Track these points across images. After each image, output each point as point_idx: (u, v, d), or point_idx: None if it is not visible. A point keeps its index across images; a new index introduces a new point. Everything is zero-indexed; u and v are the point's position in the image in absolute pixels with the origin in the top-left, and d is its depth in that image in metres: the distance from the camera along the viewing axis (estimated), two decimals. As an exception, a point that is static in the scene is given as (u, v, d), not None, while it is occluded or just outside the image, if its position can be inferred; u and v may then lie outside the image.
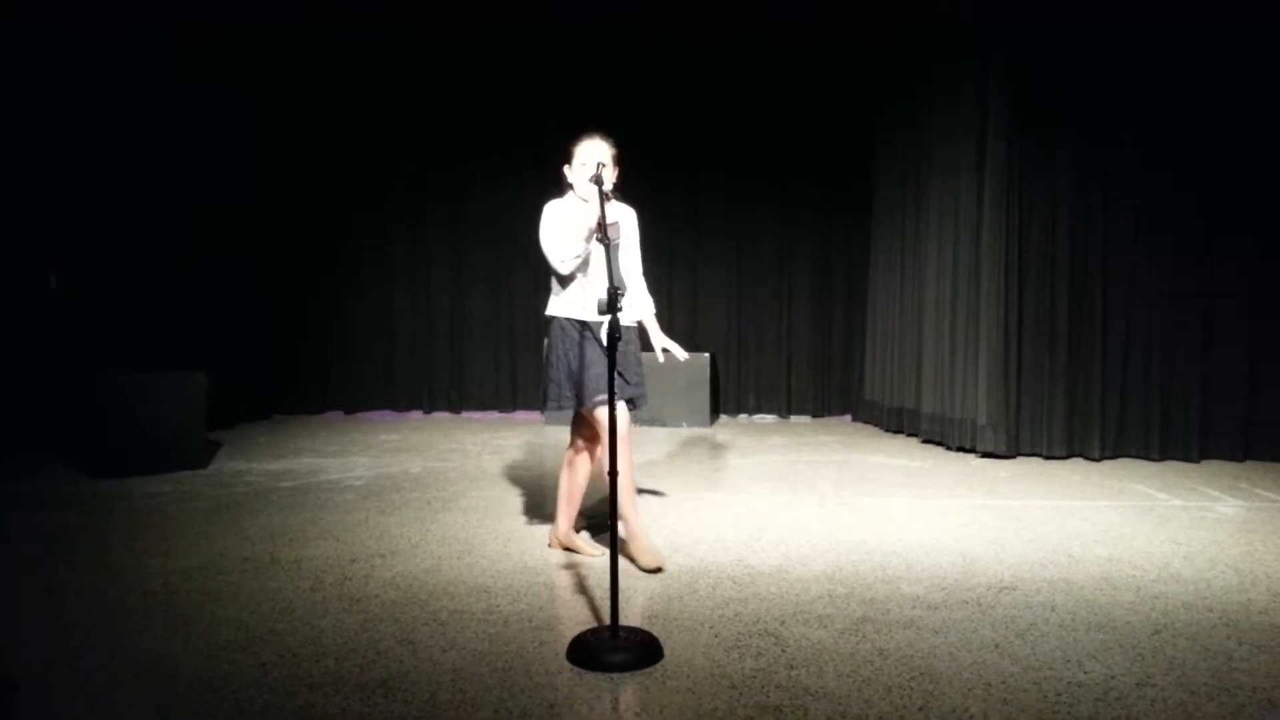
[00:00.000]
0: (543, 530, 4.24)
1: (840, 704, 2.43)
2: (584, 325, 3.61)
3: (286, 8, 7.88)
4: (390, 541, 4.05)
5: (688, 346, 8.17)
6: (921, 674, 2.62)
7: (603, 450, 3.60)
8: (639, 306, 3.77)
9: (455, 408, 8.68)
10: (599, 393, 3.52)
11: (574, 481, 3.84)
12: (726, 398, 8.50)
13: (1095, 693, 2.50)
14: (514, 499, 4.93)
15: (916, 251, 7.08)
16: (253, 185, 8.22)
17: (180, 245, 7.43)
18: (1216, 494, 5.08)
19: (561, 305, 3.65)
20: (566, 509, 3.86)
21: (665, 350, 3.74)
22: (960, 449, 6.41)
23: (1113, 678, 2.60)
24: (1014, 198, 6.13)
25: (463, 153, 8.52)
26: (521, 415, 8.54)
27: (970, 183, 6.30)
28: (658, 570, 3.56)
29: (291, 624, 3.03)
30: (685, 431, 7.47)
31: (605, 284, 3.44)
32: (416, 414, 8.66)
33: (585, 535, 3.98)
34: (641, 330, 3.79)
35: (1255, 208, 5.94)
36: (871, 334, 7.92)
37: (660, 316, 8.72)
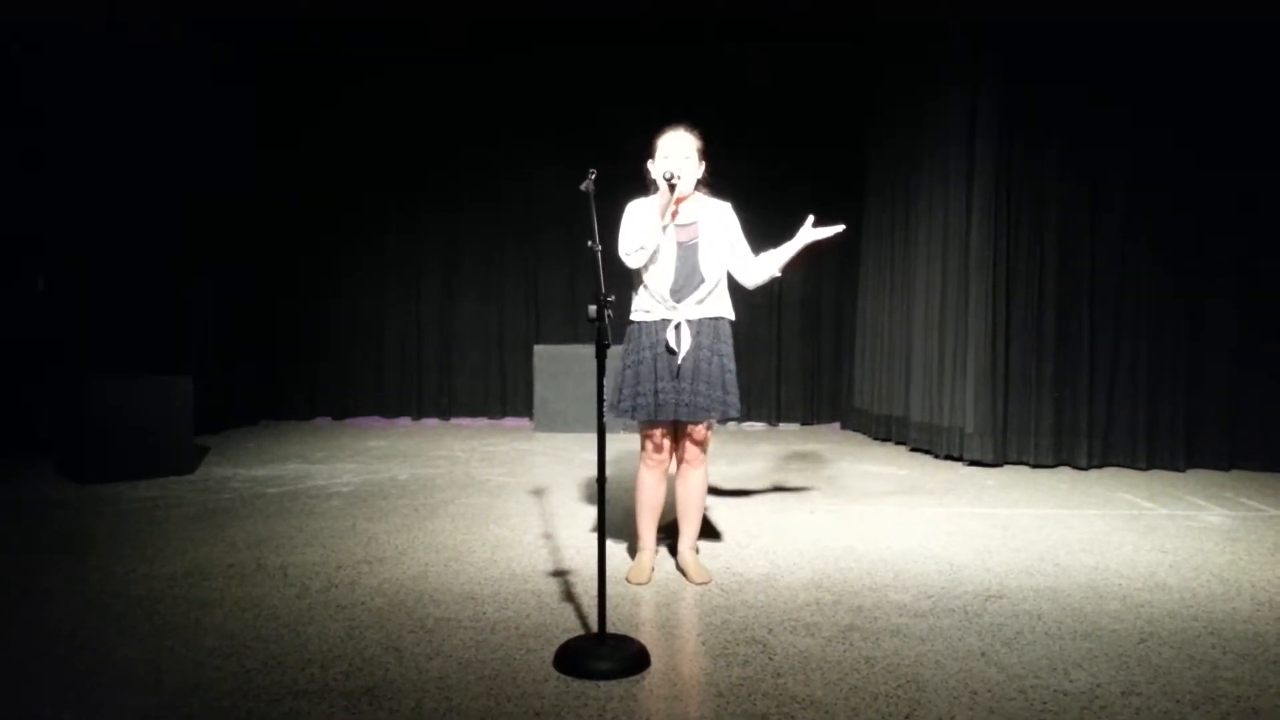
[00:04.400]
0: (530, 537, 4.24)
1: (827, 712, 2.43)
2: (649, 328, 3.46)
3: (284, 9, 7.89)
4: (377, 548, 4.04)
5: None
6: (908, 682, 2.62)
7: (641, 468, 3.58)
8: (758, 274, 3.57)
9: (444, 414, 8.67)
10: (636, 411, 3.43)
11: (681, 502, 3.66)
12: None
13: (1081, 701, 2.51)
14: (502, 506, 4.92)
15: (905, 259, 7.10)
16: (245, 190, 8.20)
17: (170, 250, 7.40)
18: (1202, 503, 5.10)
19: (633, 308, 3.53)
20: (683, 532, 3.68)
21: (816, 226, 3.54)
22: (948, 457, 6.42)
23: (1099, 686, 2.61)
24: (1002, 206, 6.16)
25: (456, 160, 8.52)
26: (511, 422, 8.53)
27: (959, 189, 6.34)
28: (644, 583, 3.53)
29: (277, 631, 3.01)
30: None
31: (668, 284, 3.43)
32: (405, 420, 8.64)
33: (694, 559, 3.69)
34: (718, 333, 3.53)
35: (1243, 218, 5.98)
36: (860, 342, 7.94)
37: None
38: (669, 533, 3.93)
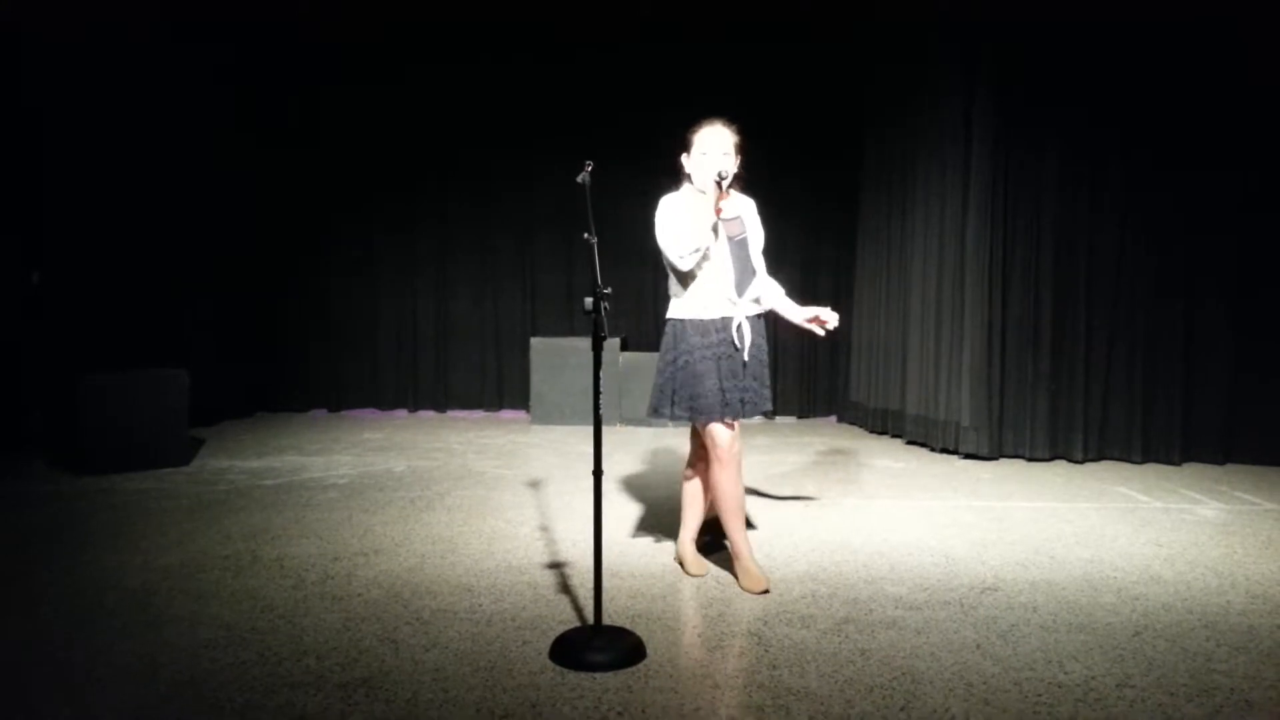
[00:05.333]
0: (527, 529, 4.24)
1: (822, 704, 2.44)
2: (704, 326, 3.37)
3: (282, 10, 7.87)
4: (373, 540, 4.04)
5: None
6: (903, 674, 2.63)
7: (718, 468, 3.40)
8: (765, 295, 3.53)
9: (440, 406, 8.66)
10: (707, 411, 3.30)
11: (693, 497, 3.65)
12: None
13: (1076, 694, 2.52)
14: (498, 498, 4.92)
15: (902, 254, 7.10)
16: (242, 185, 8.17)
17: (166, 243, 7.38)
18: (1197, 496, 5.12)
19: (681, 306, 3.42)
20: (687, 523, 3.67)
21: (814, 319, 3.49)
22: (944, 450, 6.43)
23: (1093, 678, 2.62)
24: (999, 202, 6.15)
25: (453, 153, 8.50)
26: (507, 414, 8.53)
27: (956, 186, 6.32)
28: (764, 592, 3.34)
29: (272, 623, 3.02)
30: (671, 431, 7.47)
31: (730, 280, 3.37)
32: (401, 412, 8.63)
33: (693, 552, 3.67)
34: (770, 322, 3.56)
35: (1239, 216, 5.97)
36: (857, 336, 7.94)
37: (645, 318, 8.68)
38: (670, 527, 3.94)
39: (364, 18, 8.12)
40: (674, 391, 3.39)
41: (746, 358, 3.37)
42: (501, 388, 8.65)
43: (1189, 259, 6.03)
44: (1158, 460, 6.08)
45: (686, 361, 3.37)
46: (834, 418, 8.38)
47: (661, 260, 3.47)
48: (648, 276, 8.37)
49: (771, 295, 3.58)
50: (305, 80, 8.38)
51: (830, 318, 3.50)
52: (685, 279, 3.41)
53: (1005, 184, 6.15)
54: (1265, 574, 3.66)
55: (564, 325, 8.47)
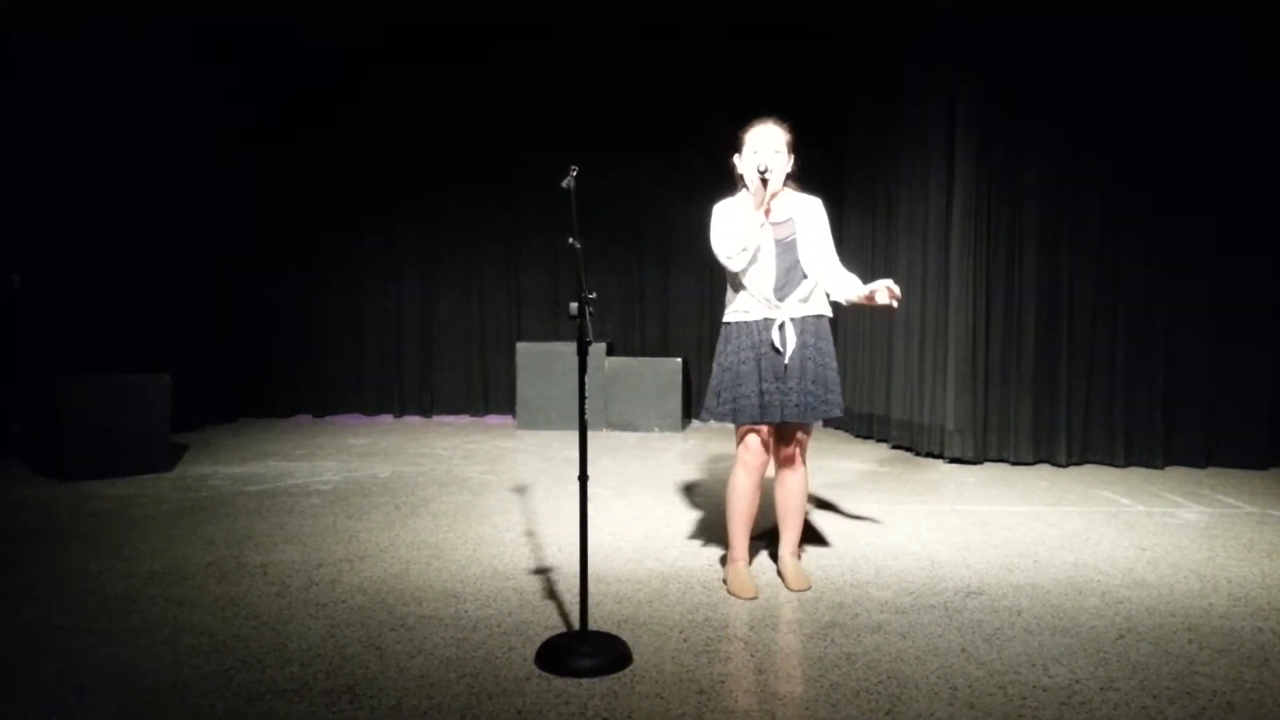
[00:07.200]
0: (512, 535, 4.23)
1: (808, 708, 2.44)
2: (747, 329, 3.36)
3: (273, 11, 7.86)
4: (358, 546, 4.02)
5: (659, 352, 8.25)
6: (889, 678, 2.64)
7: (737, 469, 3.44)
8: (829, 291, 3.45)
9: (426, 411, 8.63)
10: (746, 413, 3.32)
11: (782, 507, 3.59)
12: (698, 403, 8.51)
13: (1060, 696, 2.53)
14: (484, 503, 4.91)
15: (886, 257, 7.13)
16: (226, 188, 8.14)
17: (148, 245, 7.34)
18: (1180, 500, 5.15)
19: (729, 310, 3.43)
20: (783, 533, 3.59)
21: (888, 291, 3.25)
22: (929, 454, 6.45)
23: (1077, 681, 2.63)
24: (982, 207, 6.18)
25: (436, 157, 8.48)
26: (493, 419, 8.51)
27: (940, 191, 6.36)
28: (751, 599, 3.33)
29: (256, 629, 3.00)
30: (657, 436, 7.47)
31: (770, 284, 3.34)
32: (386, 418, 8.60)
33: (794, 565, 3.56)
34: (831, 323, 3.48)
35: (1220, 217, 6.02)
36: (841, 340, 7.96)
37: (631, 321, 8.65)
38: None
39: (351, 19, 8.09)
40: (719, 393, 3.41)
41: (788, 360, 3.32)
42: (487, 393, 8.64)
43: (1171, 265, 6.07)
44: (1140, 464, 6.11)
45: (731, 363, 3.38)
46: (819, 422, 8.40)
47: (718, 265, 3.45)
48: (635, 282, 8.37)
49: (841, 289, 3.43)
50: (296, 81, 8.35)
51: (894, 286, 3.29)
52: (734, 282, 3.42)
53: (989, 187, 6.18)
54: (1247, 577, 3.68)
55: (550, 330, 8.46)
